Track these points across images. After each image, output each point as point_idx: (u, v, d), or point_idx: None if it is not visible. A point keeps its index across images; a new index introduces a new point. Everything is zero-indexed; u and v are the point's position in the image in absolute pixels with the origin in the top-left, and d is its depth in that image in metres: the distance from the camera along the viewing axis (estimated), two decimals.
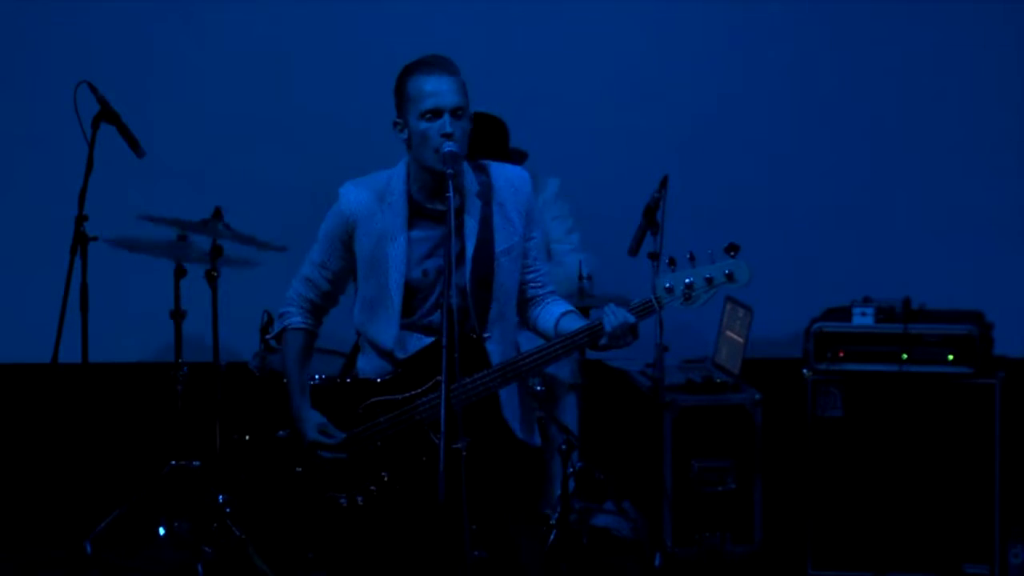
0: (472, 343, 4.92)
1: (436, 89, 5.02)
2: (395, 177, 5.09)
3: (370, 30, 7.66)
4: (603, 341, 4.83)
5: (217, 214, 6.65)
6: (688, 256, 4.84)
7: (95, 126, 6.32)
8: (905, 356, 6.63)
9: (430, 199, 5.03)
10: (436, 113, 5.00)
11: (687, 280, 4.83)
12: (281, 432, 6.59)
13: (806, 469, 6.70)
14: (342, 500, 5.05)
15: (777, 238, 7.49)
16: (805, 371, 6.72)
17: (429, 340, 4.97)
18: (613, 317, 4.81)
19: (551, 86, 7.41)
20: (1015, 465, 6.68)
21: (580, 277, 6.85)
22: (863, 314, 6.71)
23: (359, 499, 5.01)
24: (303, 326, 5.17)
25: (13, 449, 7.55)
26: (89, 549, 6.49)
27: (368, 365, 5.09)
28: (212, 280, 6.68)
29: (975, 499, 6.60)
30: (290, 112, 7.65)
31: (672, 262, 4.86)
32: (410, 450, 4.97)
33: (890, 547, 6.64)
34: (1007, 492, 6.62)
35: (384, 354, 5.02)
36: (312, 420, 5.09)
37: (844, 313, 6.76)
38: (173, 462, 6.87)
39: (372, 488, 5.01)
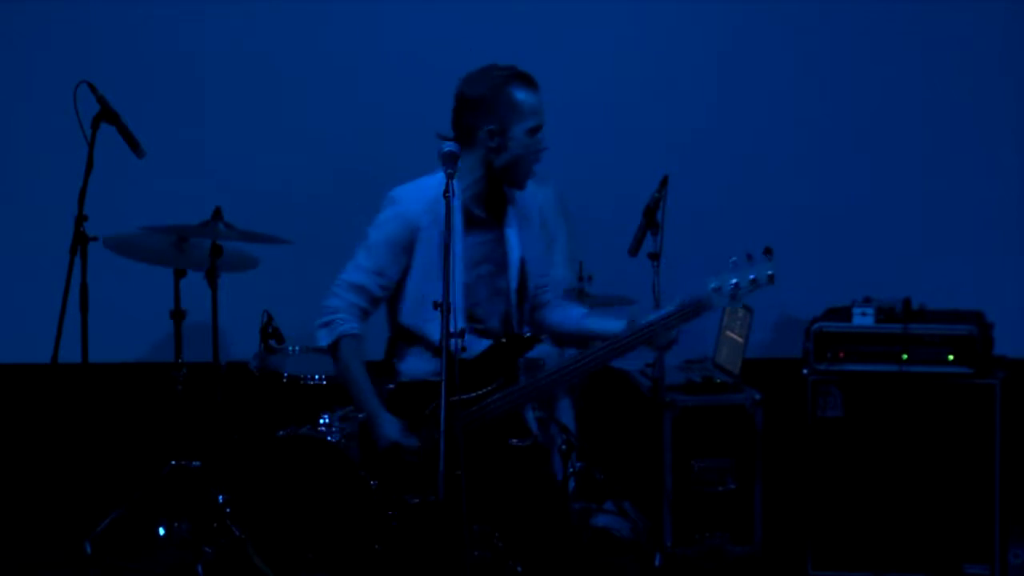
0: (527, 342, 4.98)
1: (539, 107, 5.14)
2: (442, 179, 5.04)
3: (370, 30, 7.67)
4: (661, 341, 5.03)
5: (217, 214, 6.65)
6: (746, 256, 5.13)
7: (95, 126, 6.32)
8: (905, 356, 6.63)
9: (479, 206, 5.07)
10: (537, 130, 5.10)
11: (733, 281, 5.07)
12: (281, 432, 6.61)
13: (806, 469, 6.71)
14: (415, 500, 5.08)
15: (777, 238, 7.45)
16: (805, 371, 6.72)
17: (487, 342, 5.00)
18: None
19: (551, 86, 7.39)
20: (1015, 465, 6.69)
21: (580, 278, 6.86)
22: (863, 314, 6.71)
23: (431, 499, 5.04)
24: (359, 332, 5.14)
25: (13, 449, 7.55)
26: (89, 549, 6.49)
27: (421, 365, 5.07)
28: (212, 280, 6.68)
29: (975, 499, 6.60)
30: (290, 112, 7.66)
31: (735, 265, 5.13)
32: (480, 448, 5.01)
33: (890, 547, 6.64)
34: (1007, 492, 6.62)
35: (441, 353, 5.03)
36: (393, 423, 5.10)
37: (844, 313, 6.76)
38: (173, 462, 6.88)
39: (439, 490, 5.02)
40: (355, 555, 6.43)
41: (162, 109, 7.52)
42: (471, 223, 5.07)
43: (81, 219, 6.34)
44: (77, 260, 6.33)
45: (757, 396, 6.81)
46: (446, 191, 5.97)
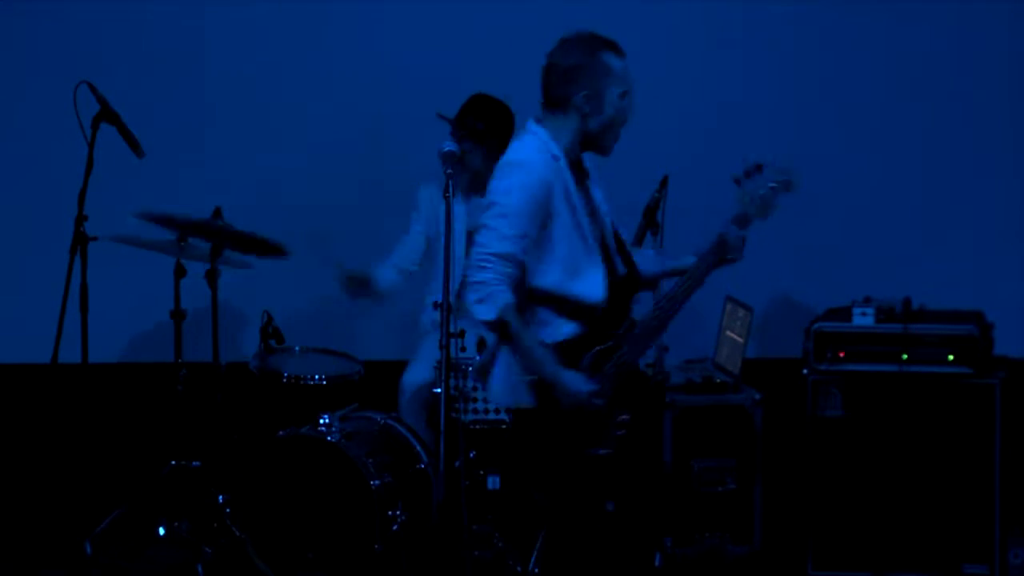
0: (638, 283, 5.26)
1: (628, 73, 5.28)
2: (547, 142, 5.16)
3: (371, 30, 7.66)
4: (732, 255, 5.21)
5: (217, 214, 6.65)
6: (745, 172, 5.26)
7: (95, 126, 6.33)
8: (905, 356, 6.63)
9: (575, 159, 5.21)
10: (627, 95, 5.26)
11: (761, 192, 5.24)
12: (281, 432, 6.61)
13: (806, 469, 6.71)
14: (601, 452, 5.14)
15: (777, 238, 7.48)
16: (805, 371, 6.72)
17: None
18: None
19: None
20: (1015, 465, 6.69)
21: None
22: (863, 314, 6.71)
23: (611, 449, 5.14)
24: (514, 300, 5.10)
25: (13, 449, 7.55)
26: (89, 549, 6.49)
27: (561, 328, 5.13)
28: (212, 280, 6.68)
29: (975, 499, 6.60)
30: (290, 112, 7.65)
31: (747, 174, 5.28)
32: (631, 389, 5.15)
33: (890, 547, 6.64)
34: (1007, 492, 6.62)
35: (584, 310, 5.10)
36: (576, 376, 5.10)
37: (844, 313, 6.76)
38: (173, 462, 6.87)
39: (620, 433, 5.15)
40: (355, 555, 6.44)
41: (162, 109, 7.52)
42: (579, 181, 5.20)
43: (81, 219, 6.35)
44: (77, 260, 6.34)
45: (757, 396, 6.80)
46: (446, 191, 5.99)
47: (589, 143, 5.22)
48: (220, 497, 6.63)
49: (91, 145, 6.27)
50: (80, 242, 6.39)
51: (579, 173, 5.23)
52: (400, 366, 7.02)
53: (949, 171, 7.58)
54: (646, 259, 5.45)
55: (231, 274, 6.91)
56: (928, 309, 6.77)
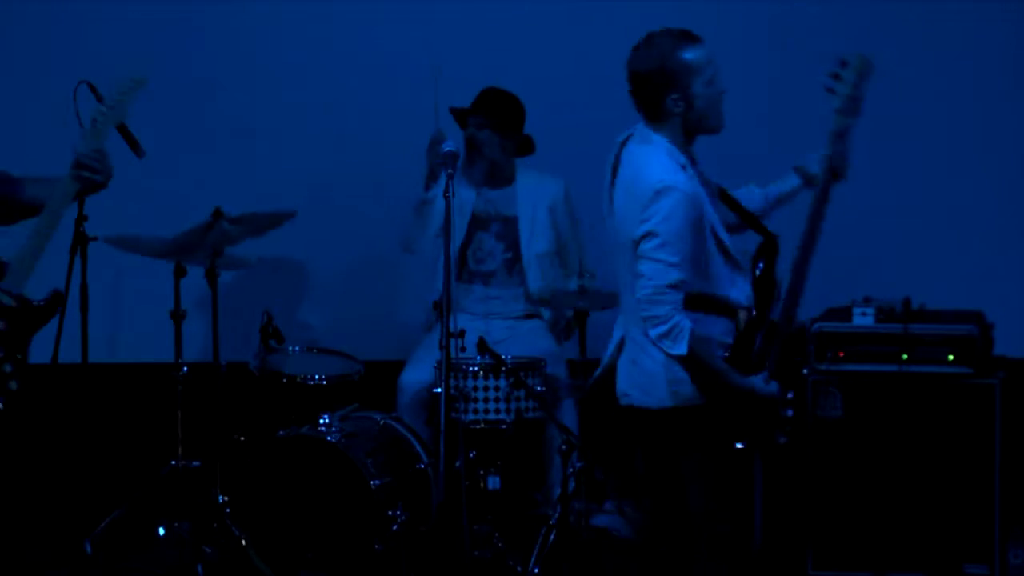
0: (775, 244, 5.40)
1: (708, 55, 5.31)
2: (669, 150, 5.22)
3: (370, 29, 7.67)
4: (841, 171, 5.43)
5: (217, 214, 6.65)
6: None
7: None
8: (905, 356, 6.63)
9: (692, 164, 5.27)
10: (714, 77, 5.29)
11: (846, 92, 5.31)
12: (281, 432, 6.61)
13: (806, 469, 6.70)
14: (782, 439, 5.26)
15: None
16: (805, 371, 6.72)
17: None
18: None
19: (551, 86, 7.41)
20: (1015, 465, 6.68)
21: (581, 274, 6.87)
22: (863, 314, 6.71)
23: (786, 437, 5.29)
24: (693, 325, 5.14)
25: (12, 449, 7.54)
26: (89, 549, 6.49)
27: (712, 328, 5.19)
28: (212, 280, 6.68)
29: (975, 499, 6.60)
30: (290, 112, 7.65)
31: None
32: (785, 382, 5.25)
33: (890, 547, 6.63)
34: (1007, 492, 6.61)
35: (730, 310, 5.20)
36: (760, 377, 5.19)
37: (844, 313, 6.76)
38: (173, 462, 6.87)
39: (789, 413, 5.29)
40: (355, 555, 6.44)
41: (162, 109, 7.51)
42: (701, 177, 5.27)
43: (81, 219, 6.34)
44: (77, 260, 6.34)
45: None
46: (446, 191, 5.99)
47: (695, 132, 5.28)
48: (220, 497, 6.63)
49: None
50: (80, 242, 6.38)
51: (696, 168, 5.29)
52: (400, 366, 7.02)
53: (949, 171, 7.58)
54: (752, 197, 5.53)
55: (231, 274, 6.91)
56: (928, 309, 6.76)
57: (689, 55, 5.24)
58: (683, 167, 5.16)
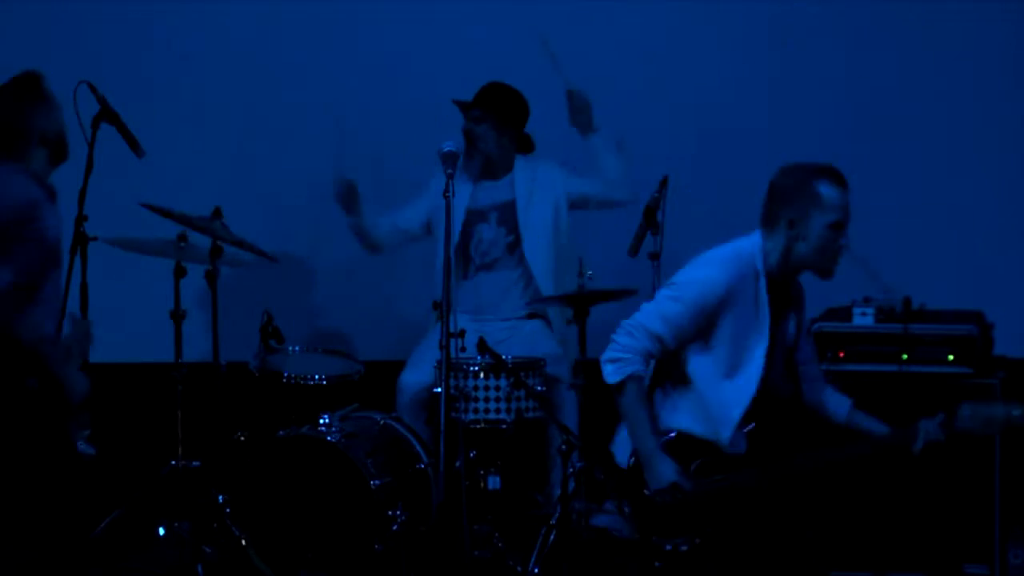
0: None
1: (844, 204, 5.33)
2: (756, 255, 5.31)
3: (371, 29, 7.67)
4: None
5: (217, 214, 6.65)
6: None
7: (95, 126, 6.32)
8: (905, 356, 6.63)
9: (782, 277, 5.32)
10: (840, 226, 5.31)
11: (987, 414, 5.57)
12: (281, 432, 6.61)
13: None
14: (667, 547, 5.27)
15: None
16: None
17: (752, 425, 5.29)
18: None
19: (551, 87, 7.40)
20: (1015, 465, 6.68)
21: (580, 274, 6.86)
22: (863, 314, 6.71)
23: (682, 548, 5.22)
24: (643, 375, 5.29)
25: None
26: (88, 549, 6.48)
27: (694, 425, 5.28)
28: (212, 280, 6.68)
29: (975, 499, 6.59)
30: (290, 112, 7.65)
31: None
32: (736, 511, 5.23)
33: (890, 547, 6.63)
34: (1007, 492, 6.61)
35: (721, 421, 5.25)
36: (672, 464, 5.25)
37: (844, 313, 6.76)
38: (173, 462, 6.87)
39: (696, 541, 5.22)
40: (355, 555, 6.44)
41: (162, 109, 7.52)
42: (775, 303, 5.33)
43: (81, 219, 6.35)
44: (77, 260, 6.34)
45: None
46: (446, 191, 6.00)
47: (801, 265, 5.35)
48: (220, 497, 6.63)
49: (91, 145, 6.26)
50: (80, 242, 6.39)
51: (780, 295, 5.34)
52: (400, 366, 7.02)
53: (949, 171, 7.58)
54: (838, 402, 5.61)
55: (231, 274, 6.91)
56: (928, 309, 6.76)
57: (823, 189, 5.32)
58: (756, 274, 5.24)
